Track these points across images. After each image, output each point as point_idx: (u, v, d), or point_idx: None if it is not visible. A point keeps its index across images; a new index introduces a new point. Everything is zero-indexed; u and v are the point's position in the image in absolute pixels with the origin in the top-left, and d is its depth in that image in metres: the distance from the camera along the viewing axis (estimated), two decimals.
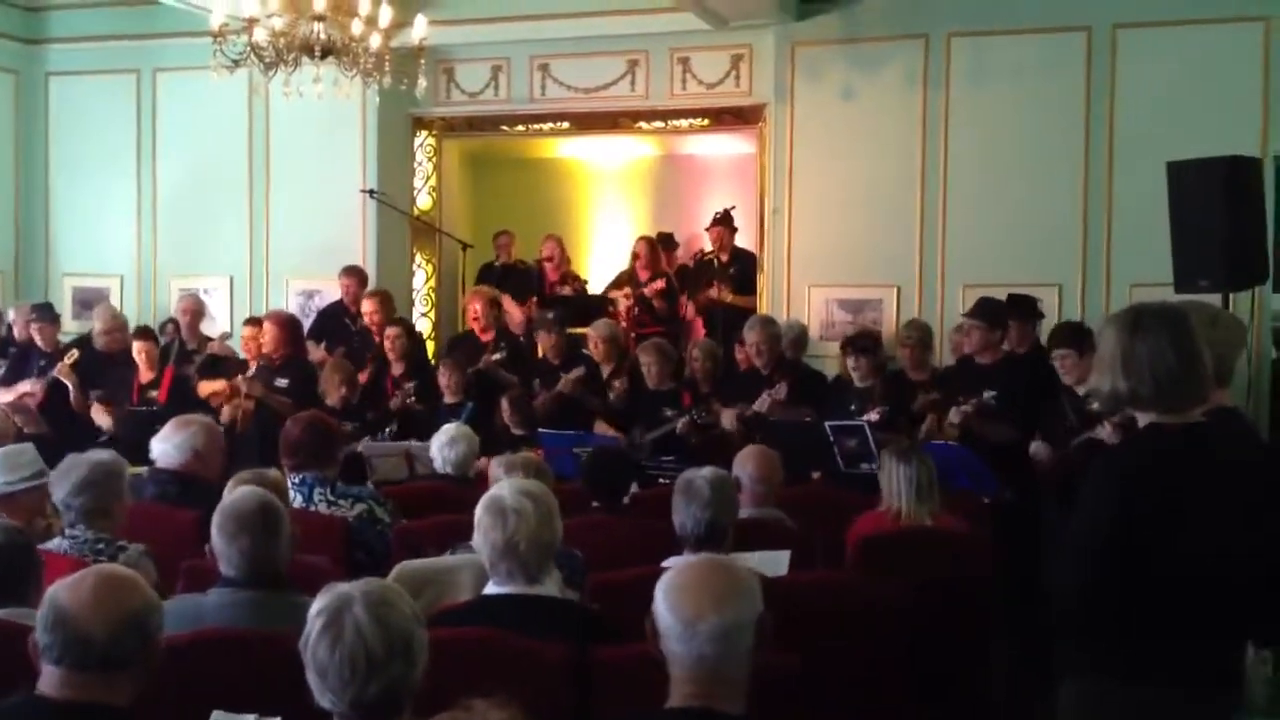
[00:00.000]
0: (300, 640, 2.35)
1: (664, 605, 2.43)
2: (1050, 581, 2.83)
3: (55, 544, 4.10)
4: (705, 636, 2.37)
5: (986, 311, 6.86)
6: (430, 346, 9.81)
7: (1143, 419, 2.85)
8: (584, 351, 8.08)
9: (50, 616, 2.42)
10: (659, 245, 10.30)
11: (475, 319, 8.54)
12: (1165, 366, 2.77)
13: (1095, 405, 4.76)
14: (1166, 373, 2.77)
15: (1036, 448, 6.18)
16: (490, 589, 3.27)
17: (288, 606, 3.26)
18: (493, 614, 3.16)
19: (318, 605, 2.36)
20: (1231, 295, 6.42)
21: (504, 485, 3.46)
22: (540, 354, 8.30)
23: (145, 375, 8.09)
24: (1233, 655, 2.90)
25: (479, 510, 3.34)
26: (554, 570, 3.37)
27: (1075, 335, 6.22)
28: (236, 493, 3.60)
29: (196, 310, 9.07)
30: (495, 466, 4.56)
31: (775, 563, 4.30)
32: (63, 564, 3.89)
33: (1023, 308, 7.15)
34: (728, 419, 7.14)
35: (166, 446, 5.01)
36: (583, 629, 3.15)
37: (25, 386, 8.13)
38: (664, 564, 4.08)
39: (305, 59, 6.99)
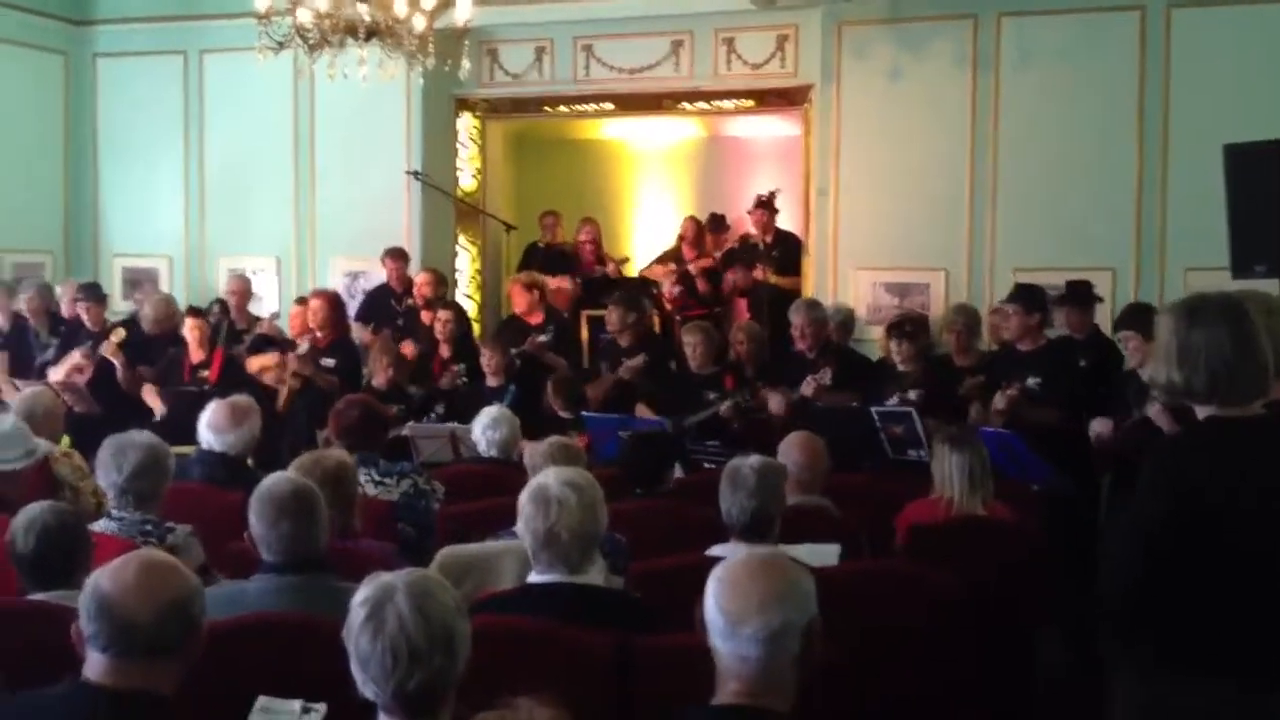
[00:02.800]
0: (344, 630, 2.34)
1: (712, 600, 2.39)
2: (1100, 576, 2.77)
3: (102, 525, 4.12)
4: (748, 638, 2.33)
5: (1023, 295, 6.75)
6: (476, 328, 9.82)
7: (1201, 411, 2.79)
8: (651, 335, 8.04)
9: (94, 604, 2.42)
10: (709, 228, 10.26)
11: (518, 306, 8.54)
12: (1222, 358, 2.71)
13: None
14: (1223, 364, 2.70)
15: (1098, 425, 6.04)
16: (533, 577, 3.25)
17: (330, 591, 3.27)
18: (536, 602, 3.14)
19: (361, 595, 2.35)
20: None
21: (549, 473, 3.43)
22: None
23: (196, 355, 8.11)
24: None
25: (522, 498, 3.32)
26: (598, 558, 3.35)
27: (1140, 317, 6.10)
28: (271, 478, 3.59)
29: (245, 291, 9.13)
30: (530, 453, 4.53)
31: (824, 556, 4.26)
32: (112, 545, 3.92)
33: (1080, 294, 7.02)
34: (774, 403, 7.08)
35: (227, 438, 5.02)
36: (626, 618, 3.12)
37: (75, 357, 8.18)
38: (710, 551, 4.07)
39: (349, 41, 6.98)
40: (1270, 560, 2.68)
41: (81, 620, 2.44)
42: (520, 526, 3.33)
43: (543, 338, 8.05)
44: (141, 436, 4.29)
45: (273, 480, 3.56)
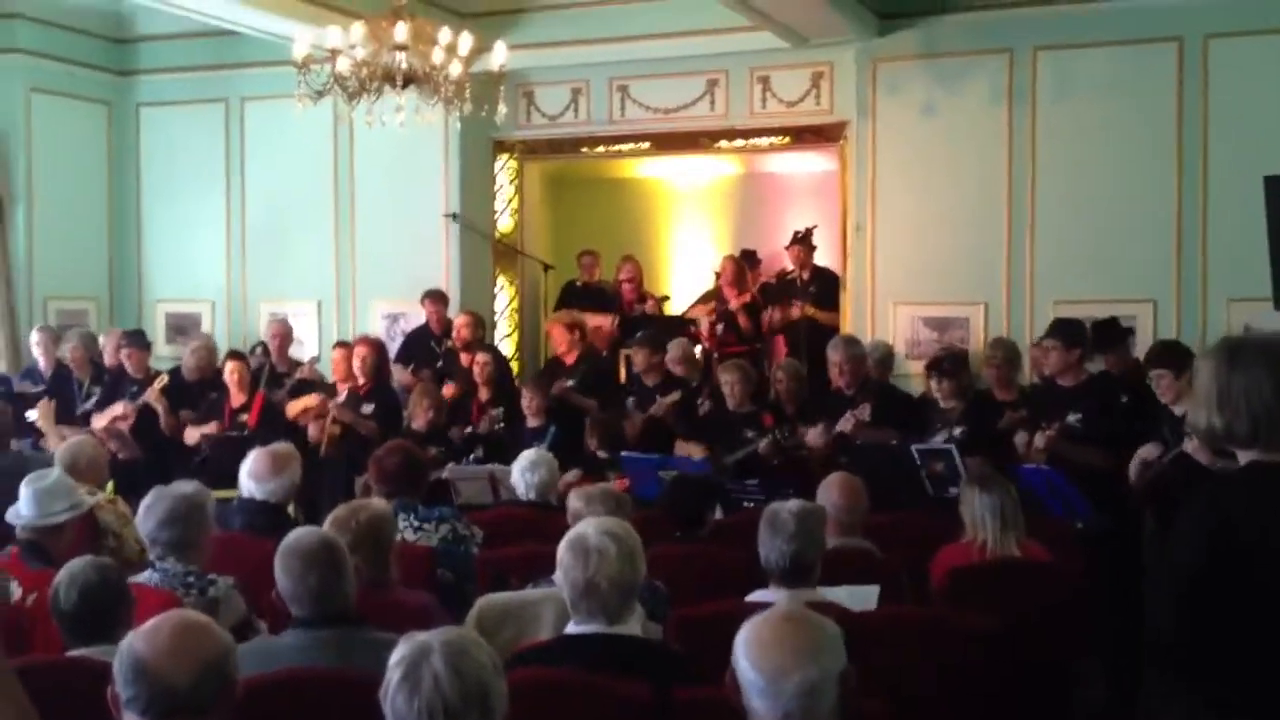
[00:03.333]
0: (380, 689, 2.34)
1: (745, 661, 2.38)
2: (1147, 616, 2.73)
3: (145, 576, 4.15)
4: (791, 694, 2.33)
5: (1062, 330, 6.68)
6: (515, 367, 9.86)
7: (1242, 456, 2.74)
8: (678, 375, 8.08)
9: (130, 668, 2.42)
10: (744, 263, 10.27)
11: (559, 346, 8.58)
12: (1263, 402, 2.66)
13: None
14: (1264, 409, 2.66)
15: (1146, 449, 5.91)
16: (571, 628, 3.24)
17: (365, 643, 3.27)
18: (574, 654, 3.13)
19: (397, 655, 2.35)
20: None
21: (589, 523, 3.42)
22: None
23: (236, 399, 8.20)
24: None
25: (561, 548, 3.31)
26: (637, 607, 3.33)
27: (1171, 354, 6.04)
28: (296, 532, 3.58)
29: (286, 334, 9.23)
30: (574, 498, 4.53)
31: (864, 598, 4.24)
32: (154, 598, 3.95)
33: (1105, 335, 6.94)
34: (814, 435, 7.05)
35: (268, 486, 5.05)
36: (665, 670, 3.10)
37: (117, 410, 8.29)
38: (750, 597, 4.05)
39: (387, 88, 7.06)
40: None
41: (117, 683, 2.45)
42: (559, 576, 3.32)
43: (569, 382, 8.08)
44: (182, 487, 4.31)
45: (297, 535, 3.55)
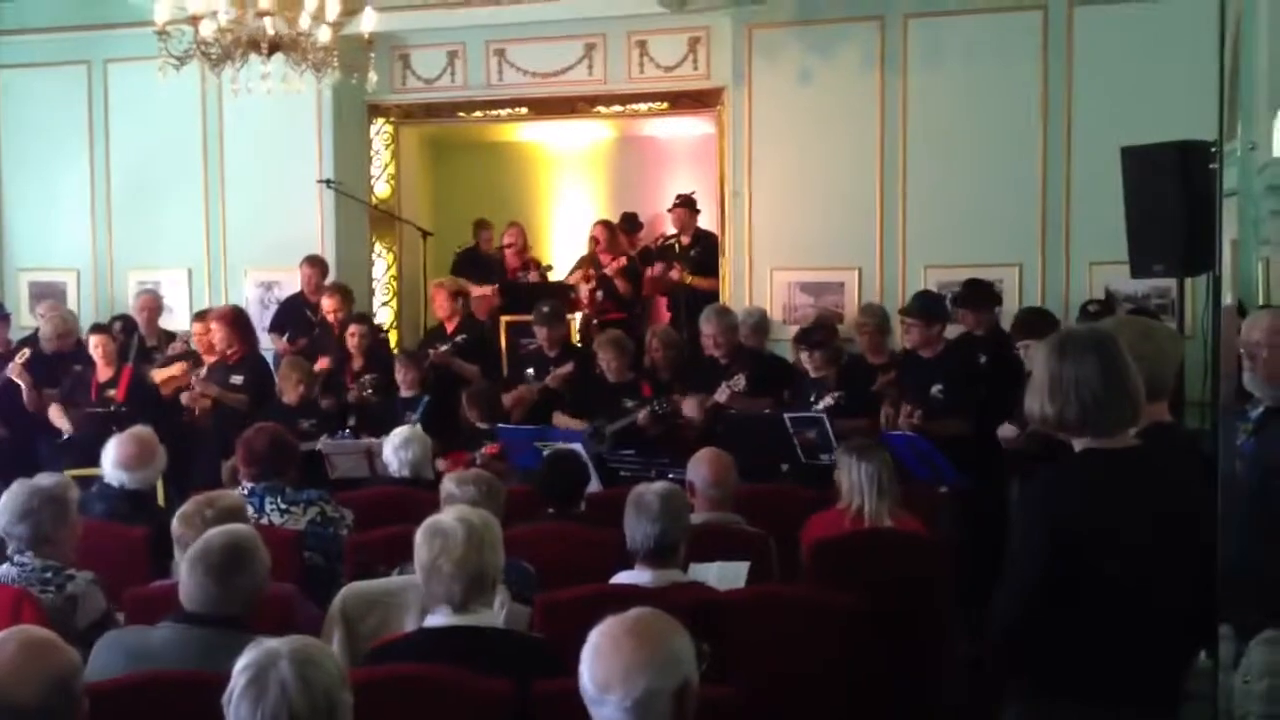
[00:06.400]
0: (224, 695, 2.33)
1: (584, 666, 2.39)
2: (986, 611, 2.83)
3: (3, 571, 4.06)
4: (615, 705, 2.33)
5: (921, 308, 6.88)
6: (393, 336, 9.76)
7: (1076, 444, 2.85)
8: (575, 345, 8.08)
9: None
10: (623, 227, 10.27)
11: (440, 312, 8.52)
12: (1090, 391, 2.77)
13: None
14: (1092, 397, 2.77)
15: (1005, 430, 6.18)
16: (429, 620, 3.24)
17: (240, 649, 3.22)
18: (431, 648, 3.13)
19: (243, 661, 2.34)
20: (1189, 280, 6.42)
21: (449, 510, 3.44)
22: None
23: (103, 373, 7.98)
24: (1179, 673, 2.91)
25: (417, 533, 3.32)
26: (495, 597, 3.34)
27: (1037, 324, 6.22)
28: (212, 531, 3.52)
29: (154, 306, 9.03)
30: (448, 482, 4.51)
31: (734, 574, 4.31)
32: (6, 594, 3.87)
33: (977, 295, 7.14)
34: (689, 407, 7.12)
35: (135, 476, 4.94)
36: (525, 662, 3.12)
37: None
38: (616, 578, 4.10)
39: (253, 55, 6.87)
40: (1140, 591, 2.75)
41: None
42: (415, 562, 3.32)
43: (444, 347, 8.05)
44: (41, 480, 4.20)
45: (213, 532, 3.48)
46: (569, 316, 8.43)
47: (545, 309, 8.02)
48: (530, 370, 7.93)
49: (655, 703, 2.33)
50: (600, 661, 2.37)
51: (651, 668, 2.35)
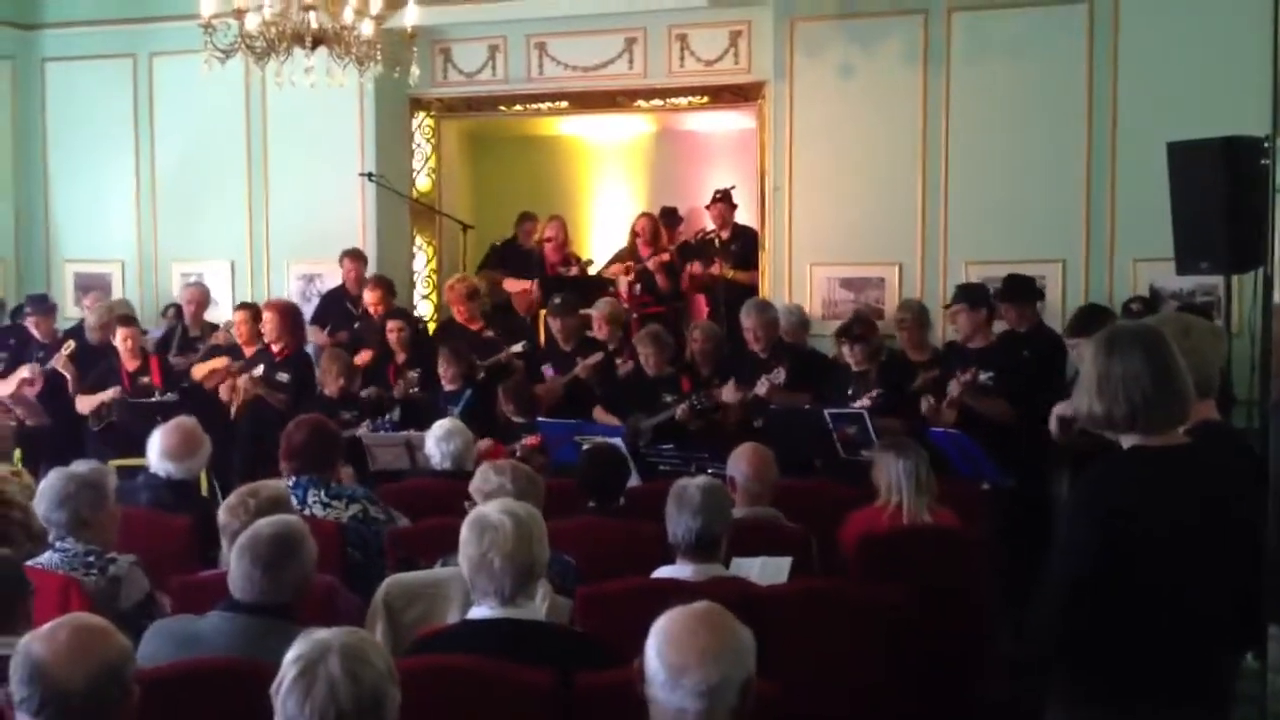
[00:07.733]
0: (273, 685, 2.34)
1: (653, 651, 2.39)
2: (1028, 610, 2.81)
3: (46, 558, 4.09)
4: (689, 690, 2.34)
5: (966, 293, 6.85)
6: (432, 329, 9.79)
7: (1125, 441, 2.82)
8: (596, 338, 8.07)
9: (25, 670, 2.41)
10: (662, 221, 10.25)
11: (460, 316, 8.52)
12: (1140, 388, 2.74)
13: None
14: (1141, 395, 2.74)
15: (1061, 408, 6.05)
16: (472, 612, 3.25)
17: (288, 638, 3.24)
18: (475, 640, 3.14)
19: (293, 653, 2.35)
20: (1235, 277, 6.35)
21: (493, 503, 3.44)
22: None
23: (130, 363, 8.05)
24: (1227, 673, 2.89)
25: (463, 525, 3.33)
26: (538, 590, 3.35)
27: (1090, 322, 6.15)
28: (261, 520, 3.55)
29: (201, 300, 9.13)
30: (485, 469, 4.52)
31: (777, 570, 4.31)
32: (53, 581, 3.91)
33: (1019, 289, 7.08)
34: (728, 392, 7.11)
35: (185, 466, 4.99)
36: (567, 655, 3.13)
37: (24, 373, 8.12)
38: (657, 573, 4.10)
39: (297, 48, 6.92)
40: (1187, 590, 2.72)
41: (13, 684, 2.43)
42: (460, 555, 3.33)
43: (517, 348, 8.03)
44: (77, 467, 4.24)
45: (264, 521, 3.52)
46: (584, 311, 8.40)
47: (558, 301, 8.04)
48: (547, 364, 7.93)
49: (726, 691, 2.36)
50: (674, 647, 2.38)
51: (725, 656, 2.38)
